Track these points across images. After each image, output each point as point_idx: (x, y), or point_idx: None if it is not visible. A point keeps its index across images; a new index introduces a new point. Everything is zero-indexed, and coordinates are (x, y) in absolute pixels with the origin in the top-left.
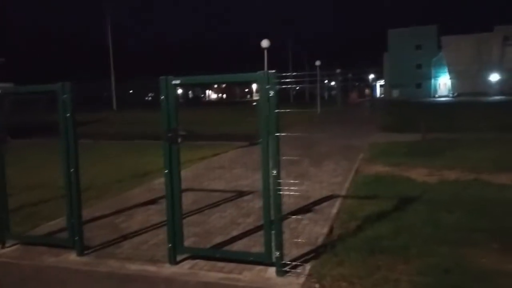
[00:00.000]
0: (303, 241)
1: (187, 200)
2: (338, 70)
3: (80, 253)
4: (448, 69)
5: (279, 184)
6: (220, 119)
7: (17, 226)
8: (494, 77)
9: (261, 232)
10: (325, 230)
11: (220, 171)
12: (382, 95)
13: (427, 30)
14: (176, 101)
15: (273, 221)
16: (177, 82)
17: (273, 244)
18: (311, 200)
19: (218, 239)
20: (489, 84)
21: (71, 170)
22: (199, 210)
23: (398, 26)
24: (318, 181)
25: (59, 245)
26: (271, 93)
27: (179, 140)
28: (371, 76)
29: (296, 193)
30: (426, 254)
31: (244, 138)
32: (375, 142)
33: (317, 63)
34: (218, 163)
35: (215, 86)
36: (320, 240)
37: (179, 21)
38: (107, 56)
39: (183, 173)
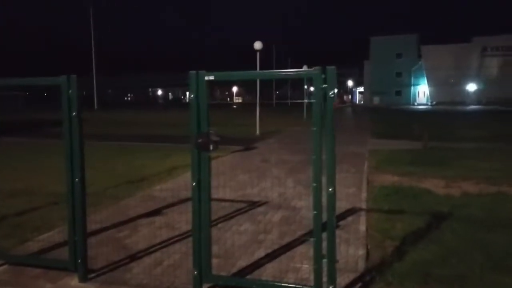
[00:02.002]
0: (343, 266)
1: None
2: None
3: (83, 279)
4: (427, 78)
5: (334, 204)
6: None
7: (2, 240)
8: (472, 86)
9: (290, 254)
10: (361, 251)
11: (223, 178)
12: (362, 102)
13: (408, 39)
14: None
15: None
16: (211, 78)
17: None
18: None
19: (243, 262)
20: (467, 93)
21: (76, 180)
22: (212, 224)
23: (380, 34)
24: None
25: (57, 267)
26: (330, 93)
27: (211, 147)
28: (351, 83)
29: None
30: (489, 285)
31: (236, 142)
32: (375, 149)
33: (304, 67)
34: (219, 169)
35: None
36: (361, 265)
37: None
38: (88, 54)
39: (182, 179)
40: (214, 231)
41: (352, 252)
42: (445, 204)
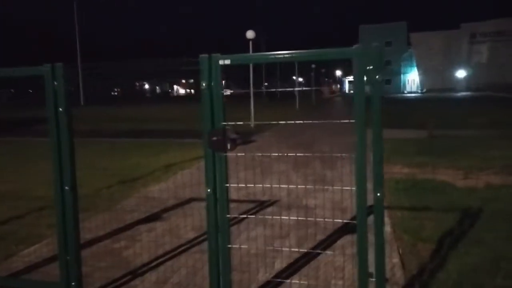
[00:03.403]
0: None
1: (200, 215)
2: (313, 66)
3: None
4: (417, 66)
5: (383, 212)
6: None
7: None
8: (461, 73)
9: (314, 264)
10: (395, 258)
11: None
12: (352, 91)
13: (397, 26)
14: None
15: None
16: (226, 62)
17: None
18: (349, 213)
19: (262, 276)
20: (456, 80)
21: (66, 188)
22: None
23: (369, 22)
24: (342, 186)
25: None
26: (378, 77)
27: (229, 146)
28: (339, 72)
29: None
30: None
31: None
32: None
33: None
34: None
35: (183, 81)
36: (399, 276)
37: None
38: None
39: (179, 178)
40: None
41: (389, 261)
42: (471, 198)
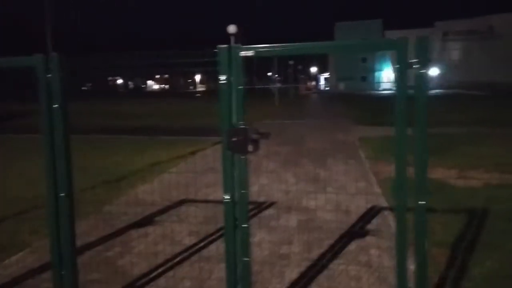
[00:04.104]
0: None
1: (196, 218)
2: (291, 62)
3: None
4: (392, 63)
5: (425, 223)
6: (177, 110)
7: None
8: (434, 71)
9: (328, 273)
10: (411, 265)
11: (212, 175)
12: (328, 88)
13: (372, 24)
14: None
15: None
16: (249, 53)
17: None
18: (353, 215)
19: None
20: (429, 78)
21: (61, 195)
22: (218, 233)
23: (345, 19)
24: (339, 186)
25: None
26: (423, 71)
27: (250, 147)
28: (315, 69)
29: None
30: None
31: (214, 133)
32: (364, 136)
33: None
34: (204, 164)
35: (157, 76)
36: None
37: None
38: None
39: (167, 177)
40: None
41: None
42: (473, 197)
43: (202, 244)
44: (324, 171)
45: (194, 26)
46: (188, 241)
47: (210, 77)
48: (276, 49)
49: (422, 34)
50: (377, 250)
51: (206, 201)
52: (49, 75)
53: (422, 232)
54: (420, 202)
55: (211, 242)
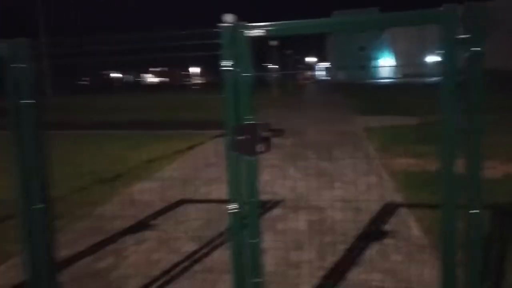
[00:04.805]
0: None
1: (195, 221)
2: (289, 51)
3: None
4: (390, 51)
5: (480, 236)
6: (174, 103)
7: None
8: (433, 58)
9: (347, 284)
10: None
11: (212, 171)
12: (328, 78)
13: (370, 12)
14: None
15: None
16: (258, 33)
17: None
18: (367, 214)
19: None
20: (428, 65)
21: (36, 207)
22: (220, 237)
23: (342, 8)
24: (348, 181)
25: None
26: (480, 49)
27: (260, 147)
28: (313, 59)
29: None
30: None
31: (212, 126)
32: (369, 127)
33: (274, 43)
34: (203, 159)
35: (154, 69)
36: None
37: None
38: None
39: (163, 175)
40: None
41: (428, 274)
42: (494, 191)
43: (203, 251)
44: (331, 164)
45: (190, 22)
46: (188, 248)
47: (206, 70)
48: (293, 25)
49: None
50: (399, 255)
51: (206, 201)
52: (18, 64)
53: (477, 249)
54: (472, 212)
55: (213, 248)
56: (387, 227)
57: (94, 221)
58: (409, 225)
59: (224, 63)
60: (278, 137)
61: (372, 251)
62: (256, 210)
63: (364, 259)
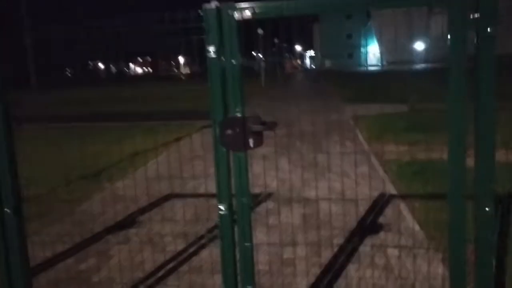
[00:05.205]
0: None
1: (185, 216)
2: (276, 40)
3: None
4: (377, 38)
5: (492, 235)
6: (160, 94)
7: None
8: (419, 45)
9: (345, 282)
10: (440, 269)
11: (200, 164)
12: (313, 66)
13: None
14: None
15: None
16: (245, 14)
17: None
18: (361, 206)
19: None
20: (415, 52)
21: (6, 211)
22: (209, 234)
23: None
24: (340, 172)
25: None
26: (490, 30)
27: (251, 143)
28: (299, 47)
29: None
30: None
31: (200, 116)
32: (358, 115)
33: (259, 31)
34: (190, 151)
35: (140, 59)
36: None
37: None
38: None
39: (150, 167)
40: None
41: (433, 272)
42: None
43: (192, 249)
44: (321, 155)
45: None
46: (175, 246)
47: (193, 60)
48: (284, 5)
49: (406, 8)
50: (396, 249)
51: (194, 196)
52: None
53: (488, 253)
54: (485, 209)
55: (202, 247)
56: (382, 219)
57: (76, 219)
58: (404, 217)
59: (209, 49)
60: (271, 130)
61: (368, 246)
62: (247, 211)
63: (361, 254)
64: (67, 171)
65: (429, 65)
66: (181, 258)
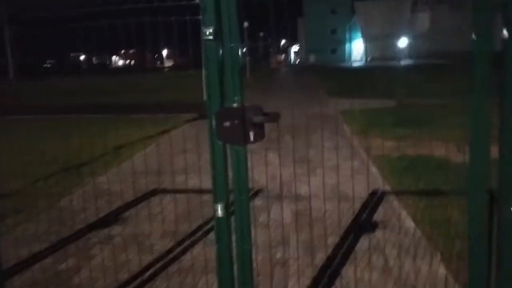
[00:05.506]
0: None
1: (171, 213)
2: (261, 34)
3: None
4: (361, 34)
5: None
6: (145, 86)
7: None
8: (403, 42)
9: (342, 284)
10: (441, 269)
11: (189, 158)
12: (297, 61)
13: None
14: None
15: None
16: None
17: None
18: (354, 203)
19: None
20: (399, 49)
21: None
22: (199, 232)
23: None
24: (330, 167)
25: None
26: None
27: (251, 136)
28: (284, 41)
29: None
30: None
31: (186, 109)
32: (345, 110)
33: (245, 24)
34: (177, 145)
35: (122, 51)
36: None
37: None
38: None
39: (135, 160)
40: (204, 248)
41: (426, 270)
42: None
43: (180, 248)
44: (310, 149)
45: None
46: (163, 245)
47: (177, 52)
48: None
49: (390, 4)
50: (393, 248)
51: (183, 191)
52: None
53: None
54: (510, 209)
55: (191, 245)
56: (376, 217)
57: (57, 215)
58: (399, 214)
59: (205, 30)
60: (273, 122)
61: (364, 244)
62: (246, 210)
63: (357, 254)
64: (48, 164)
65: (413, 62)
66: (168, 258)
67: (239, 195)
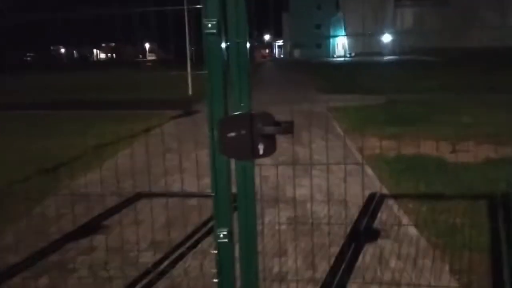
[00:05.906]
0: None
1: (156, 219)
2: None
3: None
4: (345, 29)
5: None
6: (126, 82)
7: None
8: (387, 37)
9: None
10: (453, 283)
11: (174, 158)
12: (282, 56)
13: None
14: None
15: None
16: None
17: None
18: (353, 208)
19: None
20: (382, 44)
21: None
22: (188, 241)
23: None
24: (323, 168)
25: None
26: None
27: (261, 149)
28: (268, 36)
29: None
30: None
31: (170, 105)
32: (334, 106)
33: None
34: (162, 143)
35: (103, 45)
36: None
37: None
38: None
39: (121, 160)
40: (198, 255)
41: (437, 283)
42: (480, 177)
43: (168, 261)
44: (302, 149)
45: None
46: (149, 257)
47: (159, 46)
48: None
49: (375, 0)
50: (399, 260)
51: (168, 195)
52: None
53: None
54: None
55: (180, 257)
56: (377, 223)
57: (33, 223)
58: (400, 221)
59: (207, 23)
60: (287, 134)
61: (367, 256)
62: (254, 237)
63: (361, 266)
64: (25, 164)
65: (397, 58)
66: (156, 272)
67: (245, 219)
